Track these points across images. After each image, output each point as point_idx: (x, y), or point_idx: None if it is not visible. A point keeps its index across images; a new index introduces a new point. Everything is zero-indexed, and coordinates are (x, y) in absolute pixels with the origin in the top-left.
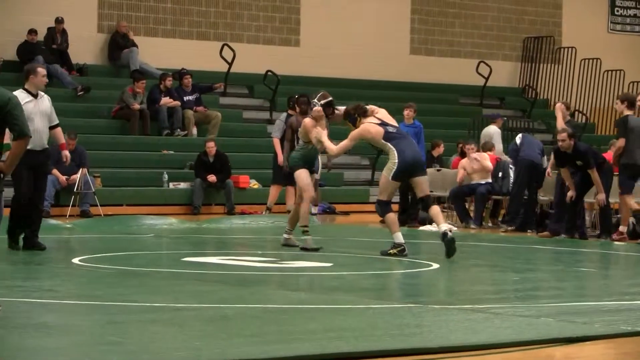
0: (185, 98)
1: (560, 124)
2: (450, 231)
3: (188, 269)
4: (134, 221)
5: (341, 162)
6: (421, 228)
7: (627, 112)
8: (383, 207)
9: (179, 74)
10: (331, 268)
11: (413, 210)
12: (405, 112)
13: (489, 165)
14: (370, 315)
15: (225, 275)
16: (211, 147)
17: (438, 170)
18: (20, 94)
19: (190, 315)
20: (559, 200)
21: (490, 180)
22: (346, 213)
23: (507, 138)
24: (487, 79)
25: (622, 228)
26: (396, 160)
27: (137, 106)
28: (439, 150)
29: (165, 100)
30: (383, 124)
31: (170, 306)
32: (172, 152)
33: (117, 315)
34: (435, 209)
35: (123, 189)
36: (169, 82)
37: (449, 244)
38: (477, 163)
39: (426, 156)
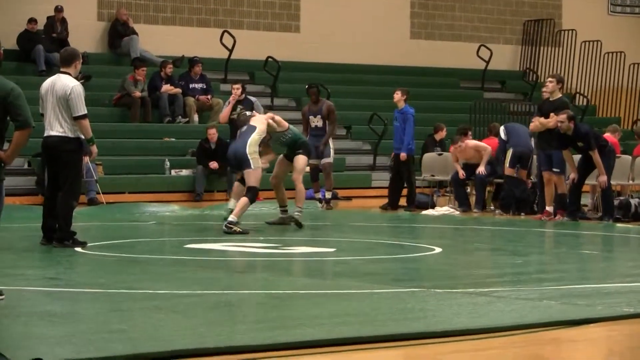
0: (191, 86)
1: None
2: (231, 223)
3: (191, 255)
4: (136, 209)
5: (343, 147)
6: (423, 212)
7: None
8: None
9: (190, 62)
10: (334, 253)
11: (411, 194)
12: (394, 96)
13: (483, 145)
14: (374, 300)
15: (228, 261)
16: (212, 134)
17: (439, 154)
18: (70, 79)
19: (194, 302)
20: (539, 179)
21: (480, 166)
22: (348, 198)
23: (509, 121)
24: (487, 62)
25: None
26: None
27: (138, 94)
28: (442, 134)
29: (166, 88)
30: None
31: (173, 293)
32: (173, 139)
33: (121, 303)
34: (243, 201)
35: (125, 176)
36: (169, 69)
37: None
38: (469, 151)
39: (427, 140)
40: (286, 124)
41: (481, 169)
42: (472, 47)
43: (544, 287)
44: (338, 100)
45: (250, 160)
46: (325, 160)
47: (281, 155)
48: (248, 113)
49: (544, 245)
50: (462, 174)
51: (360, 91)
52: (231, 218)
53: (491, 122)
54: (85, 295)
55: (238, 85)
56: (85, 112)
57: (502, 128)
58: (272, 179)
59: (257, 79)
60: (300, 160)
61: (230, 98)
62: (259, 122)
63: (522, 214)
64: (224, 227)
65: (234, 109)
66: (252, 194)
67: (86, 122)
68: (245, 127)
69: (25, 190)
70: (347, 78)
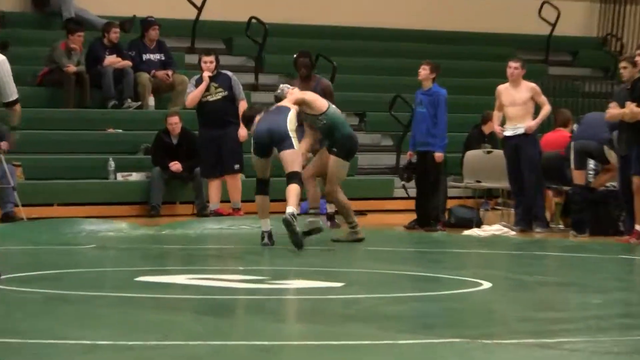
0: (146, 57)
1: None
2: (294, 216)
3: (144, 292)
4: (69, 227)
5: None
6: (465, 233)
7: None
8: (256, 186)
9: (143, 24)
10: (343, 289)
11: (434, 210)
12: (419, 72)
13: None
14: (397, 355)
15: (195, 300)
16: (175, 123)
17: (488, 152)
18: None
19: (148, 356)
20: (624, 188)
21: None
22: (361, 213)
23: (582, 107)
24: (553, 25)
25: None
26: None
27: (72, 68)
28: (491, 125)
29: (111, 60)
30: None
31: (119, 345)
32: (120, 130)
33: (47, 358)
34: (291, 189)
35: (54, 182)
36: (114, 34)
37: (292, 234)
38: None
39: (472, 133)
40: (322, 104)
41: (530, 124)
42: (532, 5)
43: (632, 336)
44: (347, 78)
45: (292, 139)
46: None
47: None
48: (285, 88)
49: (633, 278)
50: None
51: (377, 65)
52: (290, 210)
53: (558, 108)
54: None
55: (211, 57)
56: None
57: (575, 125)
58: (308, 170)
59: (236, 49)
60: (332, 162)
61: (203, 74)
62: (289, 105)
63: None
64: (295, 230)
65: (207, 88)
66: (299, 179)
67: (19, 107)
68: (273, 108)
69: None
70: (360, 47)
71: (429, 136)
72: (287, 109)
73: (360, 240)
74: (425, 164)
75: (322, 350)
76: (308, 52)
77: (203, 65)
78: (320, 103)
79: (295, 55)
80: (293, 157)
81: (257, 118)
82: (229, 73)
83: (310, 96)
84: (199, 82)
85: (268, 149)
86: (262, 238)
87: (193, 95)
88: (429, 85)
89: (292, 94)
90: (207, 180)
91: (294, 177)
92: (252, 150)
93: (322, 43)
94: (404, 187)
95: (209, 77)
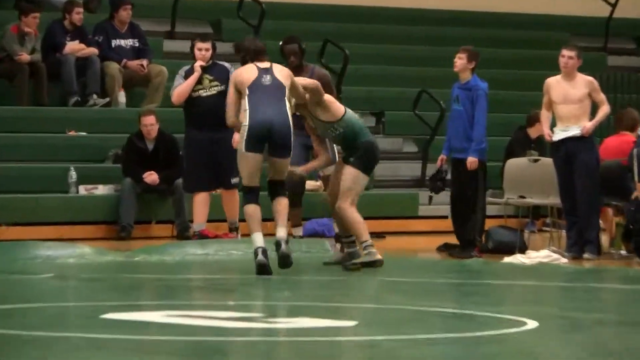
0: (115, 43)
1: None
2: (287, 242)
3: (112, 332)
4: (22, 252)
5: None
6: (506, 260)
7: None
8: (245, 196)
9: (112, 3)
10: (356, 329)
11: (469, 232)
12: (455, 61)
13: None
14: None
15: (175, 343)
16: (150, 124)
17: (535, 160)
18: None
19: None
20: None
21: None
22: (380, 235)
23: None
24: (614, 6)
25: None
26: (246, 124)
27: (25, 56)
28: (539, 128)
29: (73, 47)
30: (265, 71)
31: None
32: (84, 133)
33: None
34: (283, 204)
35: (1, 197)
36: (77, 15)
37: (283, 260)
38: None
39: (516, 137)
40: (338, 109)
41: (587, 125)
42: None
43: None
44: (361, 69)
45: (292, 146)
46: (326, 170)
47: (339, 159)
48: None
49: None
50: None
51: (398, 54)
52: (282, 234)
53: (626, 107)
54: None
55: (207, 44)
56: None
57: None
58: (329, 195)
59: (226, 33)
60: (347, 175)
61: (195, 64)
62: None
63: None
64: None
65: (199, 81)
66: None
67: None
68: (267, 79)
69: None
70: (377, 31)
71: (467, 140)
72: (284, 89)
73: (378, 263)
74: (461, 175)
75: None
76: (296, 36)
77: (197, 53)
78: (337, 107)
79: (281, 42)
80: (287, 166)
81: (247, 76)
82: (227, 64)
83: (329, 96)
84: (189, 74)
85: (264, 143)
86: (256, 255)
87: (181, 88)
88: (467, 78)
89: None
90: (194, 195)
91: (283, 186)
92: (243, 146)
93: (330, 27)
94: (430, 199)
95: (202, 67)
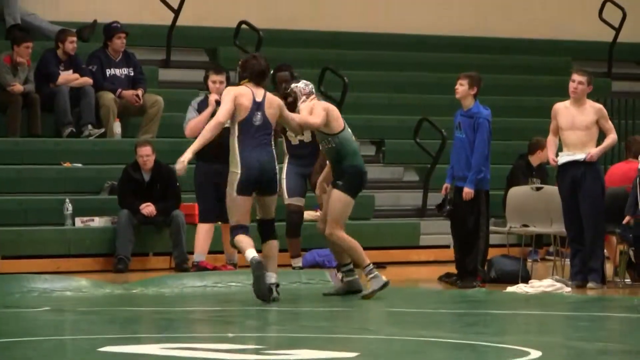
0: (110, 72)
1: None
2: (277, 286)
3: None
4: (17, 285)
5: (370, 177)
6: (509, 289)
7: None
8: (233, 231)
9: (107, 31)
10: None
11: (471, 261)
12: (456, 88)
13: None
14: None
15: None
16: (146, 155)
17: (537, 188)
18: None
19: None
20: None
21: None
22: (381, 266)
23: None
24: (618, 30)
25: None
26: (238, 170)
27: (18, 87)
28: (541, 155)
29: (67, 77)
30: (257, 106)
31: None
32: (79, 164)
33: None
34: (274, 248)
35: None
36: (71, 44)
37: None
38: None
39: (517, 165)
40: (338, 125)
41: (593, 152)
42: (591, 5)
43: None
44: (360, 97)
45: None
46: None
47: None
48: (303, 86)
49: None
50: None
51: (398, 80)
52: (273, 280)
53: (626, 133)
54: None
55: (221, 77)
56: None
57: None
58: (320, 223)
59: (222, 61)
60: (336, 201)
61: (210, 97)
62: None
63: None
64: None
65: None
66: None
67: None
68: (259, 121)
69: None
70: (375, 58)
71: (469, 168)
72: (271, 129)
73: (387, 285)
74: (463, 203)
75: None
76: (287, 64)
77: (211, 85)
78: (338, 124)
79: (272, 70)
80: (275, 201)
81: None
82: None
83: (332, 113)
84: (202, 107)
85: (255, 187)
86: (251, 263)
87: (196, 122)
88: (469, 104)
89: (310, 108)
90: (198, 225)
91: (273, 227)
92: (234, 190)
93: (329, 53)
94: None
95: (216, 101)
